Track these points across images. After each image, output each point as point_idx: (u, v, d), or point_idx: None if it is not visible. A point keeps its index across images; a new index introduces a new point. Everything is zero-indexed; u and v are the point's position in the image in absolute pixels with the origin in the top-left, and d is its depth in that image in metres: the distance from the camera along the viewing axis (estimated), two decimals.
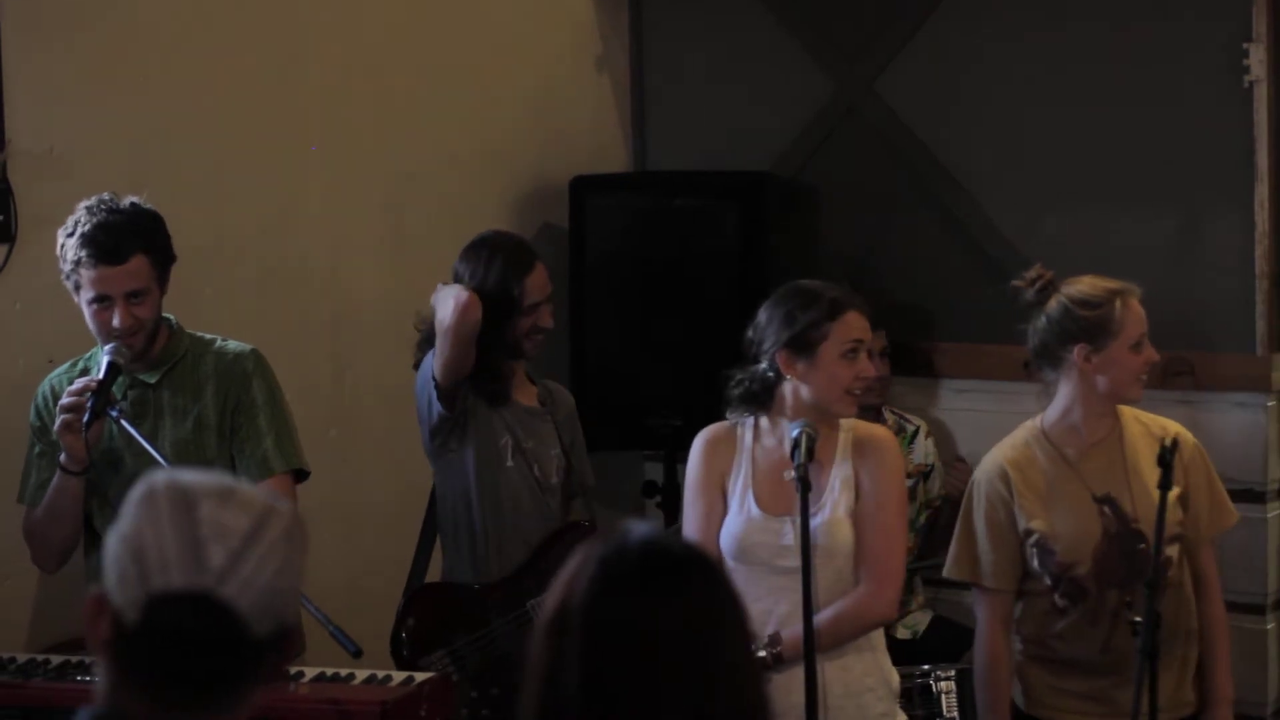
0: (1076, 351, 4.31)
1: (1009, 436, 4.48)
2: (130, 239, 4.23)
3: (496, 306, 4.77)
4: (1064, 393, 4.37)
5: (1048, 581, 4.34)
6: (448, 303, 4.68)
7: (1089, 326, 4.30)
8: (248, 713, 2.14)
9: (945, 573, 4.54)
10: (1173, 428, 4.38)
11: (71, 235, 4.25)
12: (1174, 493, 4.22)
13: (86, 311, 4.28)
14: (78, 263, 4.23)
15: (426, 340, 4.87)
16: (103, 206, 4.26)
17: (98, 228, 4.22)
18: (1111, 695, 4.31)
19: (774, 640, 4.10)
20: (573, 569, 2.20)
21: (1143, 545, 4.26)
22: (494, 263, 4.84)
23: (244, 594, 2.08)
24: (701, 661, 2.14)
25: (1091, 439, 4.35)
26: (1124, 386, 4.32)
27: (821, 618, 4.02)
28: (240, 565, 2.09)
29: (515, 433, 4.89)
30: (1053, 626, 4.37)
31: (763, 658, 4.08)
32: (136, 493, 2.13)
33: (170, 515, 2.10)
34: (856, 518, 4.12)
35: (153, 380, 4.38)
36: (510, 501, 4.87)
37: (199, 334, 4.49)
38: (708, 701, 2.13)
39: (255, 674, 2.12)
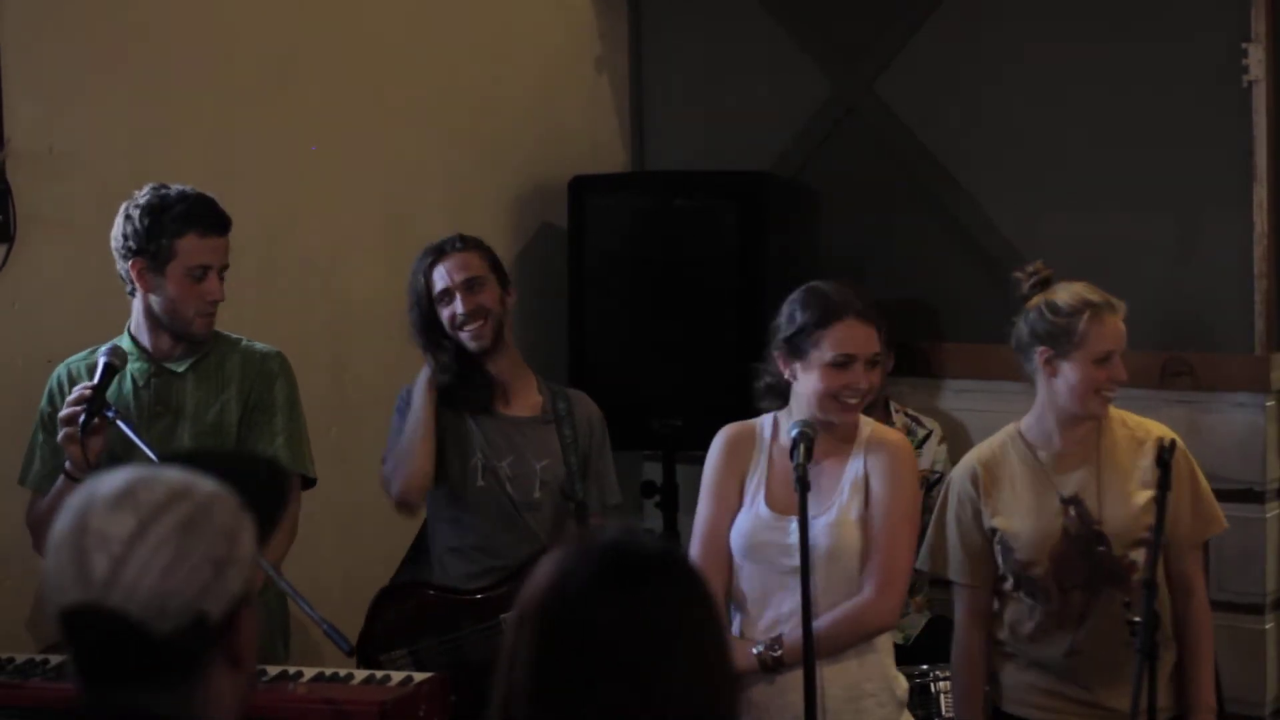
0: (1039, 353, 4.34)
1: (990, 437, 4.52)
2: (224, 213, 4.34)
3: (422, 307, 4.84)
4: (1038, 396, 4.41)
5: (1010, 580, 4.37)
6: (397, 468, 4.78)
7: (1054, 331, 4.32)
8: (214, 685, 2.15)
9: (918, 564, 4.56)
10: (1155, 430, 4.38)
11: (162, 210, 4.27)
12: (1149, 495, 4.25)
13: (173, 289, 4.29)
14: (177, 234, 4.26)
15: (420, 330, 4.87)
16: (176, 188, 4.32)
17: (199, 201, 4.29)
18: (1078, 696, 4.35)
19: (775, 643, 4.09)
20: (539, 568, 2.24)
21: (1103, 547, 4.28)
22: (412, 267, 4.88)
23: (131, 599, 2.08)
24: (648, 662, 2.15)
25: (1067, 442, 4.37)
26: (1080, 398, 4.30)
27: (821, 623, 4.02)
28: (122, 572, 2.08)
29: (487, 450, 4.84)
30: (1023, 627, 4.40)
31: (764, 658, 4.07)
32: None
33: (67, 530, 2.12)
34: (865, 522, 4.11)
35: (180, 369, 4.39)
36: (479, 524, 4.84)
37: (225, 332, 4.51)
38: (651, 702, 2.15)
39: (188, 664, 2.12)
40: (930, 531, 4.49)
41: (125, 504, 2.11)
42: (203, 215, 4.29)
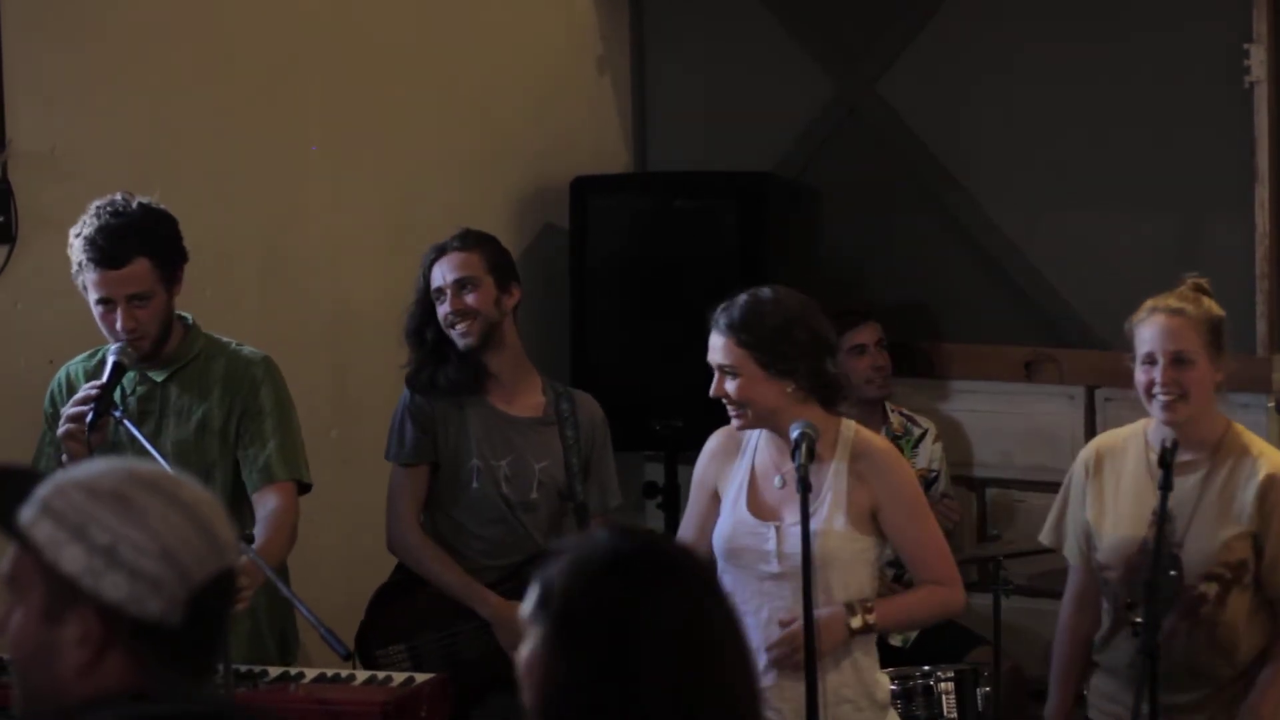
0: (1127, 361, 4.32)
1: (1125, 426, 4.45)
2: (129, 242, 4.24)
3: (422, 303, 4.87)
4: None
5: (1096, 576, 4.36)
6: None
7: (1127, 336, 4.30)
8: None
9: (1040, 538, 4.55)
10: (1268, 465, 4.22)
11: (78, 236, 4.28)
12: (1241, 530, 4.18)
13: (94, 312, 4.30)
14: (80, 265, 4.26)
15: (412, 336, 4.88)
16: (108, 209, 4.28)
17: (99, 231, 4.24)
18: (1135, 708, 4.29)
19: (866, 607, 4.07)
20: (556, 564, 2.26)
21: (1174, 572, 4.17)
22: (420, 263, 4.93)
23: (239, 552, 2.25)
24: (657, 661, 2.17)
25: (1182, 455, 4.19)
26: (1145, 403, 4.26)
27: (912, 595, 4.21)
28: (231, 531, 2.21)
29: (485, 451, 4.84)
30: (1100, 629, 4.38)
31: (865, 621, 4.07)
32: (93, 497, 2.14)
33: (170, 509, 2.14)
34: (894, 539, 4.13)
35: (160, 378, 4.39)
36: (474, 526, 4.85)
37: (216, 336, 4.50)
38: (655, 702, 2.16)
39: None
40: (1054, 508, 4.47)
41: (183, 478, 2.21)
42: (95, 249, 4.24)
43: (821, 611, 3.99)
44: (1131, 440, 4.35)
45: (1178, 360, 4.18)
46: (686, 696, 2.17)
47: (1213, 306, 4.25)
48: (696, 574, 2.27)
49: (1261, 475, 4.20)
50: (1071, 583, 4.45)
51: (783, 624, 4.04)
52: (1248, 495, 4.19)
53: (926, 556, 4.16)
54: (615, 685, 2.16)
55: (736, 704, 2.23)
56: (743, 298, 4.14)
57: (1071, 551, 4.42)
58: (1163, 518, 4.04)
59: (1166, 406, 4.20)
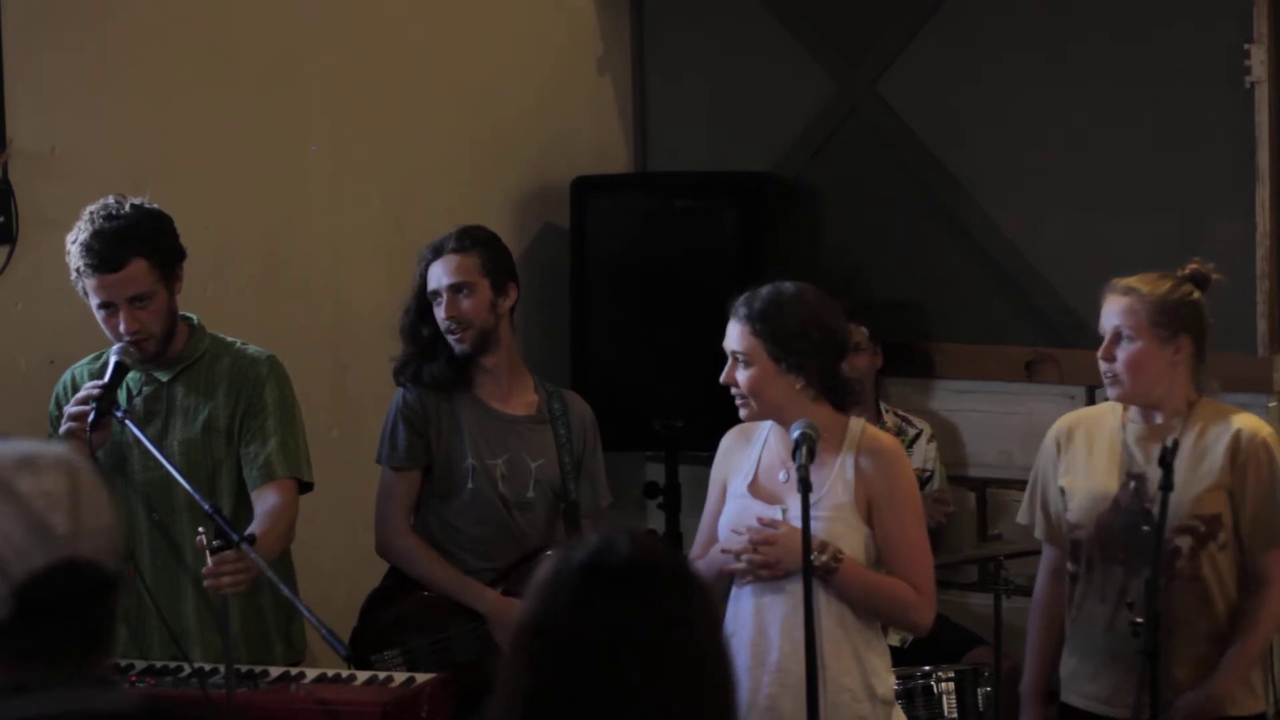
0: None
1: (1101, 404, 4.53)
2: (125, 245, 4.24)
3: (419, 302, 4.85)
4: None
5: (1067, 542, 4.38)
6: None
7: None
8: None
9: (1019, 518, 4.60)
10: (1238, 423, 4.29)
11: (74, 242, 4.28)
12: (1213, 484, 4.23)
13: (97, 317, 4.31)
14: (79, 271, 4.27)
15: (407, 333, 4.87)
16: (102, 212, 4.28)
17: (94, 235, 4.25)
18: (1113, 681, 4.31)
19: (837, 553, 4.05)
20: (533, 579, 2.28)
21: (1148, 527, 4.21)
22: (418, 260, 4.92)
23: (95, 544, 2.18)
24: (628, 670, 2.19)
25: (1148, 419, 4.31)
26: None
27: (881, 577, 4.10)
28: (82, 521, 2.17)
29: (481, 449, 4.84)
30: (1072, 596, 4.39)
31: (824, 562, 4.03)
32: None
33: (2, 503, 2.15)
34: (880, 538, 4.12)
35: (166, 378, 4.40)
36: (469, 526, 4.84)
37: (221, 335, 4.50)
38: (634, 710, 2.18)
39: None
40: (1029, 488, 4.52)
41: (41, 468, 2.18)
42: (91, 255, 4.24)
43: (793, 530, 4.02)
44: (1107, 410, 4.43)
45: (1116, 337, 4.26)
46: (670, 705, 2.19)
47: (1179, 290, 4.27)
48: (664, 582, 2.28)
49: (1230, 434, 4.26)
50: (1045, 558, 4.51)
51: (761, 522, 4.08)
52: (1219, 450, 4.25)
53: (907, 561, 4.13)
54: (602, 696, 2.18)
55: (706, 707, 2.24)
56: (765, 289, 4.18)
57: (1040, 528, 4.48)
58: (1162, 519, 4.05)
59: (1108, 383, 4.29)
